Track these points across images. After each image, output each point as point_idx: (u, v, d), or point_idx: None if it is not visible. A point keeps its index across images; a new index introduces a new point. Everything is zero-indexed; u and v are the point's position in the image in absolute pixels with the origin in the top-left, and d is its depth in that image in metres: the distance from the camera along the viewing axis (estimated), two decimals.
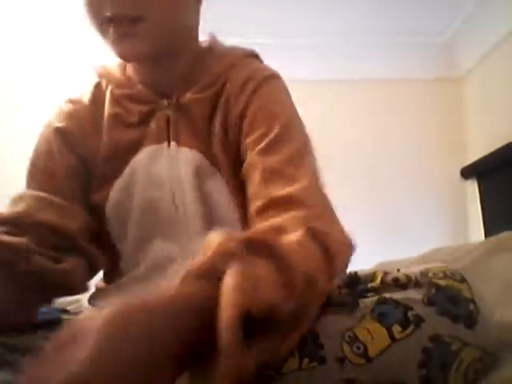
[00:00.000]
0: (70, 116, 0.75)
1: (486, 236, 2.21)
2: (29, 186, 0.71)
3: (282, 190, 0.56)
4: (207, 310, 0.36)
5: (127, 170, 0.71)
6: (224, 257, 0.39)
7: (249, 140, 0.66)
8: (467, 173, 2.44)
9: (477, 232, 2.35)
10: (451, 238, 2.42)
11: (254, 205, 0.59)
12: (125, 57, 0.68)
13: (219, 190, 0.70)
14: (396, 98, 2.57)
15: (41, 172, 0.72)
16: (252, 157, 0.64)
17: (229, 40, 0.80)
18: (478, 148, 2.36)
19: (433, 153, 2.53)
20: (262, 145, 0.63)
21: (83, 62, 2.22)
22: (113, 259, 0.75)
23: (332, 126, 2.37)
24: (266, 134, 0.64)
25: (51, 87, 2.19)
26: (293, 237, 0.45)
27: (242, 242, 0.41)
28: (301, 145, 0.64)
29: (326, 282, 0.45)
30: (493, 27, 2.23)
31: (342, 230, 0.53)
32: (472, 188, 2.43)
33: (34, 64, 2.36)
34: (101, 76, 0.78)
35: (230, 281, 0.36)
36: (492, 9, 2.20)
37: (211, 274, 0.38)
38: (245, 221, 0.69)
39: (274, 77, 0.73)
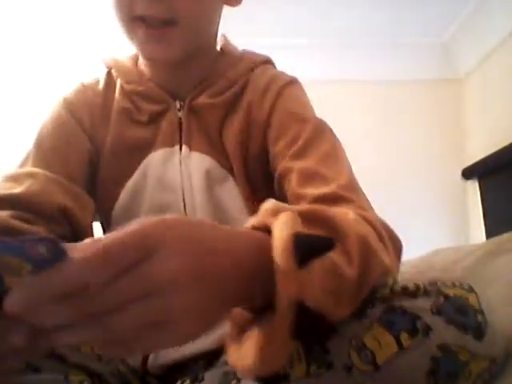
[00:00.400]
0: (84, 102, 0.73)
1: (487, 237, 2.20)
2: (35, 163, 0.66)
3: (321, 189, 0.56)
4: (262, 255, 0.36)
5: (138, 173, 0.70)
6: (274, 215, 0.39)
7: (279, 146, 0.65)
8: (468, 173, 2.44)
9: (478, 233, 2.35)
10: (452, 239, 2.41)
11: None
12: (155, 58, 0.67)
13: (232, 197, 0.69)
14: (397, 99, 2.57)
15: (52, 151, 0.68)
16: (285, 162, 0.63)
17: (233, 41, 0.79)
18: (479, 149, 2.35)
19: (434, 153, 2.53)
20: (295, 148, 0.62)
21: (85, 51, 2.21)
22: None
23: (331, 126, 2.36)
24: (296, 138, 0.63)
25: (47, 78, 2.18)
26: (348, 215, 0.46)
27: (296, 210, 0.41)
28: (333, 144, 0.64)
29: (385, 255, 0.45)
30: (493, 28, 2.23)
31: (388, 225, 0.52)
32: (473, 189, 2.43)
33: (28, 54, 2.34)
34: (110, 67, 0.76)
35: (280, 217, 0.38)
36: (492, 10, 2.20)
37: (263, 227, 0.39)
38: None
39: (293, 82, 0.73)
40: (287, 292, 0.34)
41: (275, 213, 0.39)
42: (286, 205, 0.42)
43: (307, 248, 0.36)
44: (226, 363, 0.66)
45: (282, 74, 0.74)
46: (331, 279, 0.37)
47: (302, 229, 0.38)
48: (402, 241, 0.52)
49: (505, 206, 2.14)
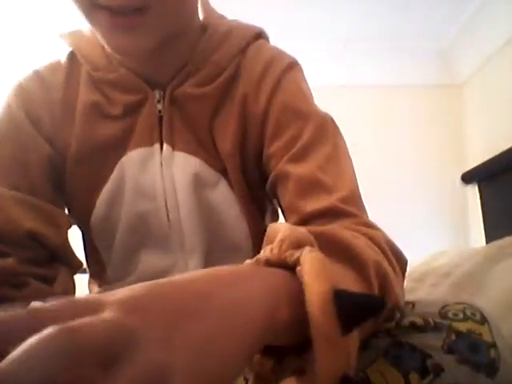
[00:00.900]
0: (40, 96, 0.61)
1: (486, 241, 2.20)
2: None
3: (321, 202, 0.51)
4: (283, 295, 0.30)
5: (113, 177, 0.60)
6: (293, 247, 0.34)
7: (276, 146, 0.58)
8: (468, 178, 2.44)
9: (478, 237, 2.35)
10: (452, 243, 2.41)
11: (291, 219, 0.53)
12: (124, 51, 0.55)
13: (226, 203, 0.61)
14: (396, 104, 2.58)
15: (8, 159, 0.58)
16: (282, 165, 0.56)
17: None
18: (479, 153, 2.36)
19: (433, 158, 2.54)
20: (293, 151, 0.56)
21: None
22: (97, 265, 0.66)
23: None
24: (296, 138, 0.56)
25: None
26: (359, 240, 0.41)
27: (311, 233, 0.36)
28: (335, 145, 0.57)
29: (397, 284, 0.42)
30: (492, 34, 2.24)
31: (392, 241, 0.48)
32: (473, 193, 2.43)
33: None
34: (72, 48, 0.63)
35: (308, 260, 0.31)
36: (491, 15, 2.20)
37: (281, 264, 0.33)
38: (256, 236, 0.62)
39: (293, 66, 0.63)
40: (330, 367, 0.29)
41: (295, 245, 0.33)
42: (301, 230, 0.36)
43: (350, 312, 0.30)
44: None
45: (279, 54, 0.65)
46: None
47: (336, 277, 0.32)
48: (404, 251, 0.49)
49: (504, 210, 2.14)
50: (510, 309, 0.77)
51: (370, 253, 0.40)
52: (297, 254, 0.32)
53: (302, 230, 0.36)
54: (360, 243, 0.40)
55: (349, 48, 2.52)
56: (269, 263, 0.33)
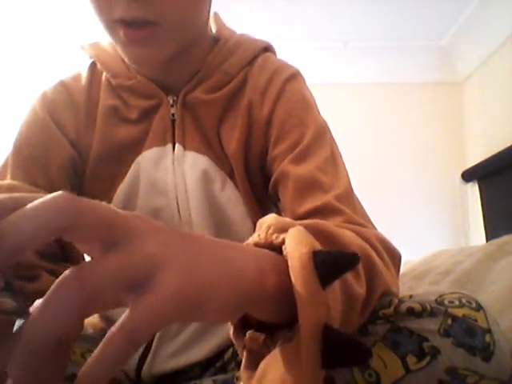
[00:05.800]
0: (65, 104, 0.65)
1: (486, 239, 2.20)
2: (14, 172, 0.61)
3: (317, 201, 0.54)
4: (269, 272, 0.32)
5: (129, 176, 0.64)
6: (279, 231, 0.36)
7: (278, 150, 0.61)
8: (468, 176, 2.44)
9: (478, 235, 2.35)
10: (452, 241, 2.41)
11: (290, 218, 0.56)
12: (140, 62, 0.60)
13: (233, 202, 0.64)
14: (396, 102, 2.58)
15: (31, 159, 0.62)
16: (283, 167, 0.59)
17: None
18: (479, 151, 2.36)
19: (433, 156, 2.54)
20: (294, 153, 0.59)
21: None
22: None
23: (331, 129, 2.37)
24: (297, 143, 0.60)
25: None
26: (348, 232, 0.43)
27: (299, 225, 0.38)
28: (332, 149, 0.61)
29: (387, 272, 0.43)
30: (492, 32, 2.24)
31: (384, 238, 0.50)
32: (473, 191, 2.43)
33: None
34: (93, 58, 0.68)
35: (290, 234, 0.34)
36: (491, 13, 2.20)
37: (268, 246, 0.35)
38: None
39: (295, 76, 0.66)
40: (311, 317, 0.30)
41: (281, 229, 0.36)
42: (288, 219, 0.38)
43: (327, 266, 0.32)
44: (220, 370, 0.65)
45: (283, 65, 0.68)
46: (345, 299, 0.35)
47: (316, 244, 0.34)
48: (399, 250, 0.50)
49: (504, 209, 2.14)
50: (510, 303, 0.78)
51: (355, 242, 0.42)
52: (282, 235, 0.35)
53: (288, 219, 0.38)
54: (346, 234, 0.42)
55: (349, 46, 2.53)
56: (257, 246, 0.36)
